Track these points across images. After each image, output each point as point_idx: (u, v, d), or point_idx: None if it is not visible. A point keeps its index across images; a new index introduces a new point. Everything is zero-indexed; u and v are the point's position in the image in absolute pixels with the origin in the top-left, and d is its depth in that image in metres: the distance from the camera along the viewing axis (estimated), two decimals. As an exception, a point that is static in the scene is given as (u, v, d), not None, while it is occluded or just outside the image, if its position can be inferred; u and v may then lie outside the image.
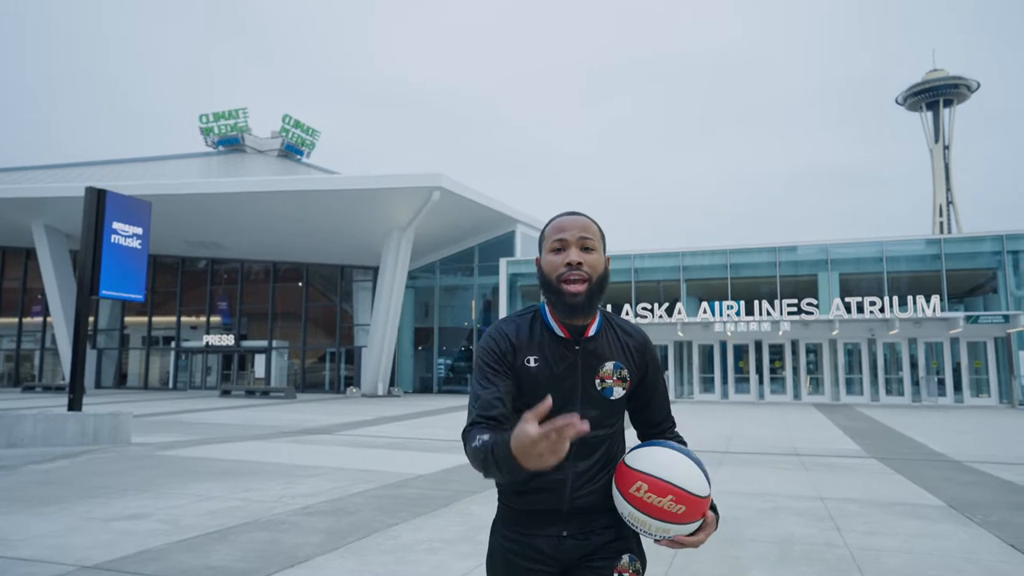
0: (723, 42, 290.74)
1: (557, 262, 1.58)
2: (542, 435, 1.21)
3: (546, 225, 1.67)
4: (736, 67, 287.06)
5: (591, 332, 1.63)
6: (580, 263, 1.57)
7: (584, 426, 1.23)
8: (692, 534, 1.52)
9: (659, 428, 1.74)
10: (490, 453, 1.36)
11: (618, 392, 1.63)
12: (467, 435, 1.49)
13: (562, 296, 1.57)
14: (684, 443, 1.70)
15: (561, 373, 1.60)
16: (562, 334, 1.62)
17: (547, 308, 1.65)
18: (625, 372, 1.64)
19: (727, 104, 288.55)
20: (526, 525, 1.60)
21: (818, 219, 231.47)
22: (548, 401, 1.29)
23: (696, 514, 1.50)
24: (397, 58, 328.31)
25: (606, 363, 1.62)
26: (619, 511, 1.56)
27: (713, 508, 1.57)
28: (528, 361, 1.60)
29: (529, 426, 1.23)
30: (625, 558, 1.62)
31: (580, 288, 1.56)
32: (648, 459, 1.53)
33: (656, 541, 1.53)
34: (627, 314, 24.31)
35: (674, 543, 1.52)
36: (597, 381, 1.61)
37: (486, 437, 1.41)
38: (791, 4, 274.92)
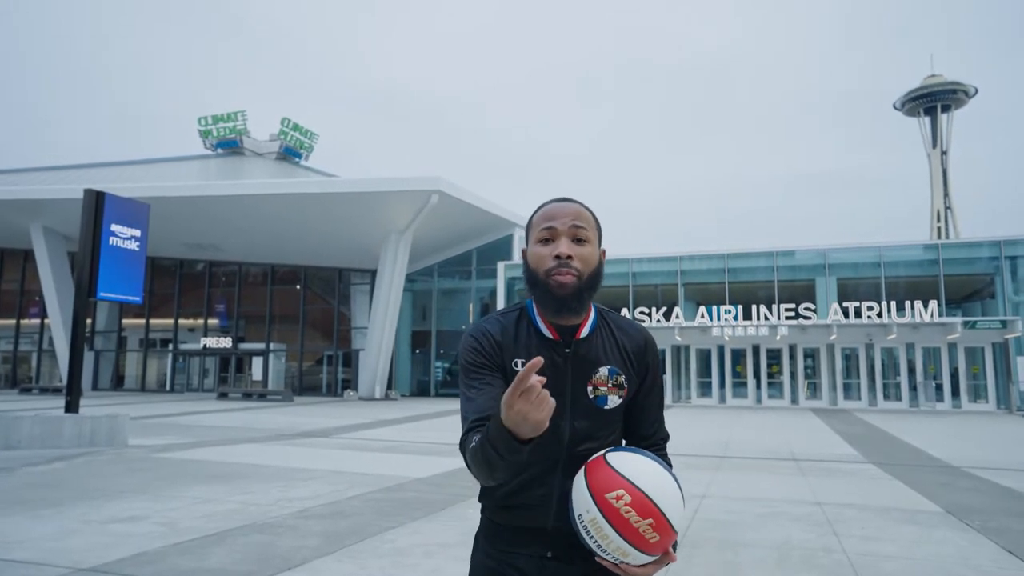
0: (723, 43, 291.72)
1: (545, 254, 1.42)
2: (512, 394, 1.14)
3: (534, 212, 1.49)
4: (735, 70, 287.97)
5: (583, 333, 1.46)
6: (570, 256, 1.40)
7: (536, 359, 1.15)
8: (643, 564, 1.31)
9: (648, 442, 1.54)
10: (487, 441, 1.24)
11: (614, 401, 1.45)
12: (464, 443, 1.36)
13: (549, 291, 1.40)
14: (670, 463, 1.51)
15: (549, 379, 1.35)
16: (550, 335, 1.45)
17: (534, 306, 1.48)
18: (622, 379, 1.46)
19: (725, 107, 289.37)
20: (509, 542, 1.47)
21: (816, 223, 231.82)
22: (538, 359, 1.15)
23: (661, 548, 1.31)
24: (395, 62, 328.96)
25: (600, 368, 1.45)
26: (575, 508, 1.34)
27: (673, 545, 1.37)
28: (516, 364, 1.43)
29: (506, 393, 1.17)
30: None
31: (568, 281, 1.39)
32: (640, 469, 1.32)
33: (598, 557, 1.32)
34: (625, 318, 24.29)
35: (618, 568, 1.31)
36: (590, 388, 1.44)
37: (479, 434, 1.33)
38: (790, 8, 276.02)
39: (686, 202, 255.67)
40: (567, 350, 1.45)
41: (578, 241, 1.43)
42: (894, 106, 74.95)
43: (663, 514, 1.28)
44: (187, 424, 14.91)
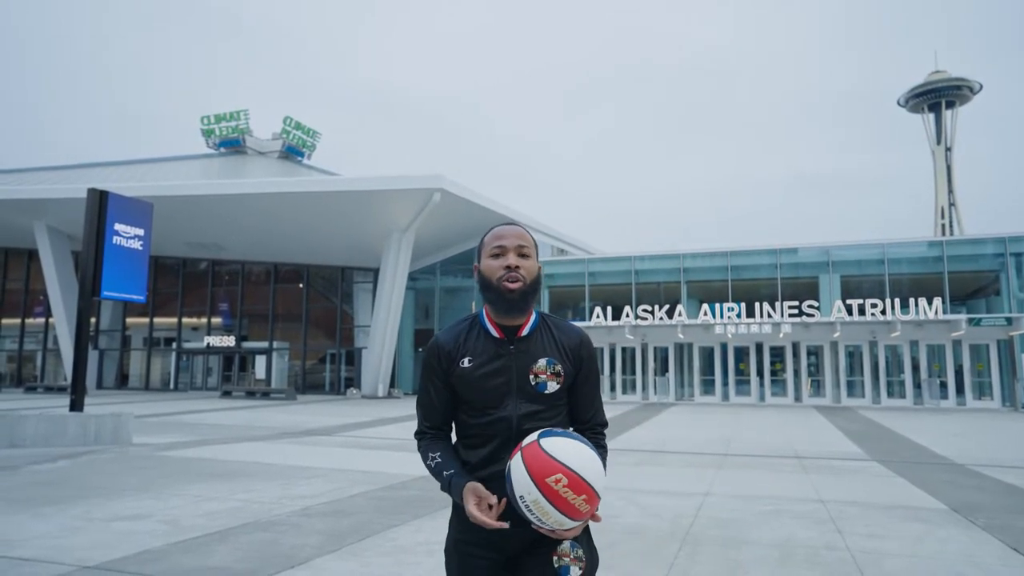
0: (723, 43, 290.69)
1: (496, 265, 1.76)
2: (472, 516, 1.60)
3: (485, 234, 1.84)
4: (735, 70, 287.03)
5: (524, 332, 1.78)
6: (518, 266, 1.74)
7: (499, 525, 1.58)
8: (573, 527, 1.59)
9: (587, 425, 1.84)
10: (446, 486, 1.72)
11: (552, 387, 1.75)
12: (419, 442, 1.84)
13: (501, 295, 1.73)
14: (604, 447, 1.81)
15: (494, 371, 1.74)
16: (496, 334, 1.78)
17: (484, 312, 1.82)
18: (559, 368, 1.76)
19: (725, 107, 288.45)
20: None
21: (816, 225, 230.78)
22: (493, 499, 1.61)
23: (592, 511, 1.57)
24: (395, 62, 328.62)
25: (540, 360, 1.75)
26: (515, 490, 1.55)
27: None
28: (462, 362, 1.76)
29: (470, 506, 1.61)
30: (566, 544, 1.69)
31: (516, 286, 1.73)
32: (572, 453, 1.55)
33: (536, 527, 1.58)
34: (627, 316, 24.32)
35: (553, 533, 1.59)
36: (531, 376, 1.74)
37: (438, 457, 1.76)
38: (791, 7, 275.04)
39: (686, 203, 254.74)
40: (511, 346, 1.77)
41: (522, 256, 1.78)
42: (898, 102, 74.63)
43: (592, 488, 1.54)
44: (190, 422, 14.94)
